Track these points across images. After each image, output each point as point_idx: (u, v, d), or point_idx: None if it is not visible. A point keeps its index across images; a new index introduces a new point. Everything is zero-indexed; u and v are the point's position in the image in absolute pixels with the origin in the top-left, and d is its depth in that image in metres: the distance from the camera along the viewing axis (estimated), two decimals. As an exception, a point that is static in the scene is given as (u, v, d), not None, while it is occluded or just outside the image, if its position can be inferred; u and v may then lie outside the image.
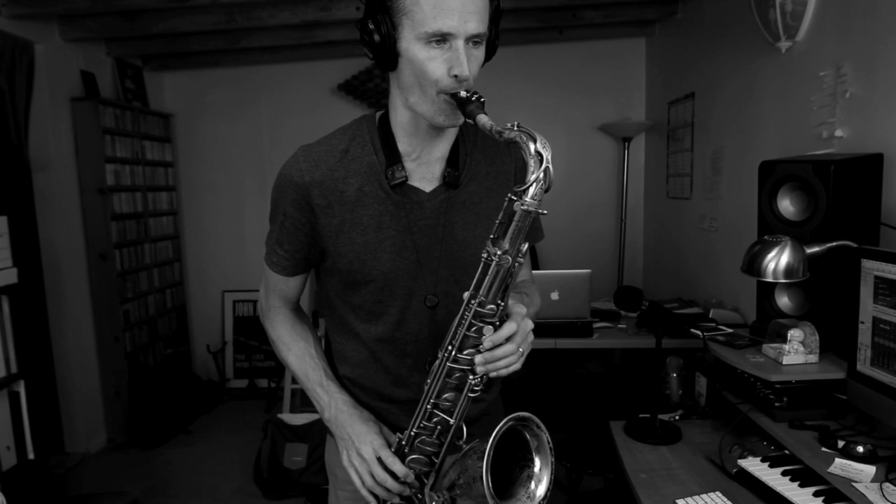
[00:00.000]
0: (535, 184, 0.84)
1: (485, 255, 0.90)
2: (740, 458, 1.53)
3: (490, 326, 0.90)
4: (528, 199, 0.85)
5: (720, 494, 1.41)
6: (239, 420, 3.92)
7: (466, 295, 0.91)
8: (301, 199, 1.01)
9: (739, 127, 2.63)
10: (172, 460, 3.38)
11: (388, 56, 0.94)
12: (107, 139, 3.53)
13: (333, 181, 1.01)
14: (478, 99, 0.89)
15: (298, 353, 1.11)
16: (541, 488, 0.92)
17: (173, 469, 3.28)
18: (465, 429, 0.96)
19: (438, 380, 0.94)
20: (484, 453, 0.84)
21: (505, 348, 0.90)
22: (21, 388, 2.43)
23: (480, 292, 0.90)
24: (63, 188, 3.36)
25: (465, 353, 0.92)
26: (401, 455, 0.99)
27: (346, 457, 1.02)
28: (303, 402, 3.69)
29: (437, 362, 0.95)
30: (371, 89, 4.16)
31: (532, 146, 0.84)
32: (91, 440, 3.50)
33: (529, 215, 0.87)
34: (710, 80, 2.94)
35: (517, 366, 0.93)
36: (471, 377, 0.92)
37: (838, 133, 1.88)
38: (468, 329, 0.91)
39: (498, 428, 0.86)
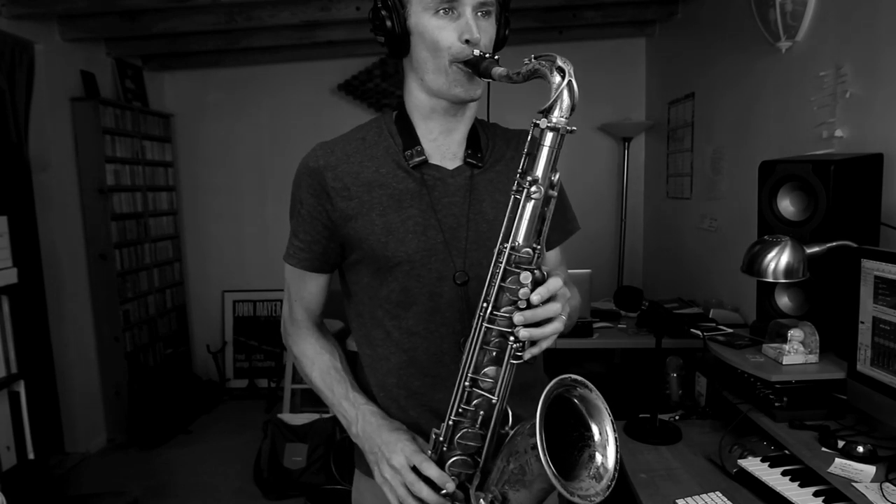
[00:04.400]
0: (559, 100, 0.79)
1: (514, 189, 0.83)
2: (740, 458, 1.52)
3: (528, 273, 0.80)
4: (554, 116, 0.79)
5: (720, 494, 1.41)
6: (239, 420, 3.92)
7: (498, 245, 0.84)
8: (316, 184, 0.98)
9: (739, 127, 2.63)
10: (172, 460, 3.38)
11: (400, 38, 0.94)
12: (107, 139, 3.53)
13: (349, 164, 0.98)
14: (491, 56, 0.89)
15: (323, 367, 1.05)
16: (609, 457, 0.80)
17: (173, 469, 3.28)
18: (510, 413, 0.86)
19: (475, 348, 0.84)
20: (535, 426, 0.73)
21: (550, 307, 0.80)
22: (21, 388, 2.43)
23: (512, 233, 0.82)
24: (63, 188, 3.36)
25: (502, 311, 0.82)
26: (439, 458, 0.88)
27: (378, 473, 0.93)
28: (303, 401, 3.69)
29: (473, 326, 0.85)
30: (371, 89, 4.15)
31: (553, 67, 0.79)
32: (91, 440, 3.50)
33: (558, 134, 0.80)
34: (710, 80, 2.94)
35: (559, 325, 0.83)
36: (511, 340, 0.81)
37: (838, 133, 1.88)
38: (503, 279, 0.82)
39: (544, 393, 0.76)
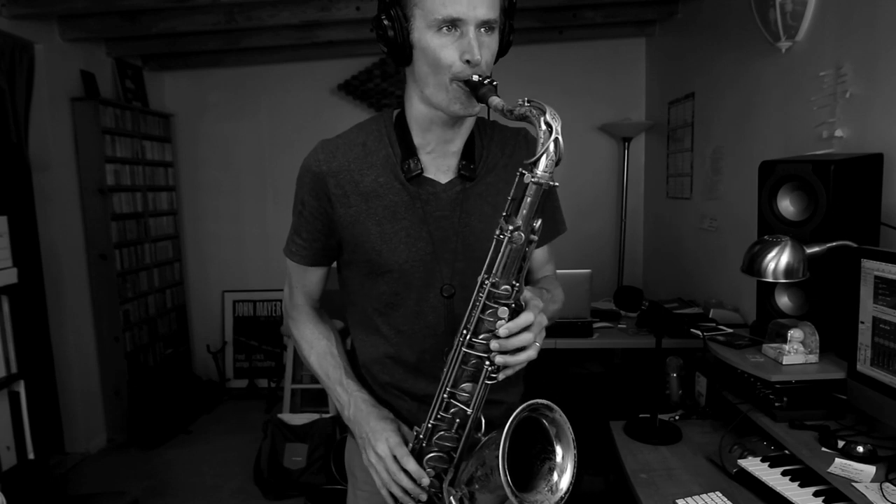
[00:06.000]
0: (544, 155, 0.84)
1: (497, 232, 0.90)
2: (740, 458, 1.53)
3: (505, 308, 0.88)
4: (538, 171, 0.84)
5: (720, 494, 1.41)
6: (239, 420, 3.93)
7: (480, 277, 0.90)
8: (318, 188, 1.02)
9: (739, 127, 2.63)
10: (172, 460, 3.38)
11: (402, 49, 0.96)
12: (107, 139, 3.53)
13: (350, 172, 1.02)
14: (490, 82, 0.90)
15: (320, 351, 1.13)
16: (564, 480, 0.88)
17: (173, 469, 3.28)
18: (483, 420, 0.94)
19: (454, 367, 0.93)
20: (499, 446, 0.81)
21: (522, 337, 0.88)
22: (21, 388, 2.43)
23: (494, 271, 0.89)
24: (63, 188, 3.36)
25: (480, 337, 0.90)
26: (419, 451, 0.97)
27: (365, 457, 1.02)
28: (303, 401, 3.69)
29: (453, 349, 0.93)
30: (371, 89, 4.16)
31: (542, 118, 0.84)
32: (91, 440, 3.50)
33: (541, 188, 0.85)
34: (710, 80, 2.94)
35: (532, 353, 0.90)
36: (487, 364, 0.90)
37: (838, 133, 1.88)
38: (482, 311, 0.90)
39: (513, 415, 0.84)
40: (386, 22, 0.95)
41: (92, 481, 3.15)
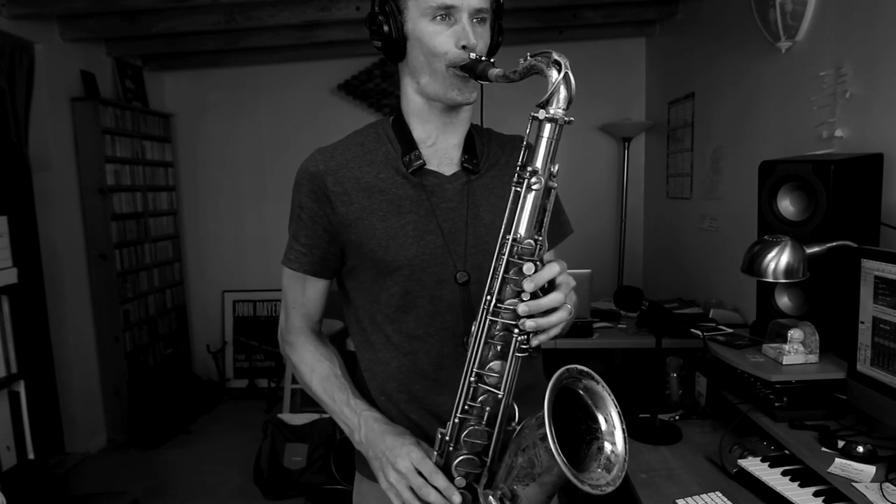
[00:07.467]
0: (556, 92, 0.79)
1: (514, 181, 0.83)
2: (740, 458, 1.53)
3: (531, 265, 0.81)
4: (552, 108, 0.80)
5: (720, 494, 1.41)
6: (239, 420, 3.93)
7: (500, 238, 0.85)
8: (317, 188, 0.99)
9: (739, 127, 2.63)
10: (172, 460, 3.39)
11: (397, 43, 0.95)
12: (107, 139, 3.53)
13: (349, 169, 0.99)
14: (487, 59, 0.90)
15: (323, 374, 1.03)
16: (618, 444, 0.81)
17: (173, 469, 3.28)
18: (516, 409, 0.85)
19: (480, 342, 0.84)
20: (542, 417, 0.72)
21: (552, 297, 0.81)
22: (21, 388, 2.43)
23: (514, 225, 0.83)
24: (63, 188, 3.36)
25: (506, 303, 0.82)
26: (445, 456, 0.87)
27: (382, 479, 0.91)
28: (303, 401, 3.69)
29: (477, 321, 0.85)
30: (371, 89, 4.16)
31: (549, 60, 0.80)
32: (91, 440, 3.50)
33: (556, 125, 0.81)
34: (710, 80, 2.94)
35: (564, 314, 0.83)
36: (516, 332, 0.82)
37: (838, 133, 1.88)
38: (506, 271, 0.82)
39: (552, 382, 0.76)
40: (380, 17, 0.95)
41: (92, 481, 3.15)
